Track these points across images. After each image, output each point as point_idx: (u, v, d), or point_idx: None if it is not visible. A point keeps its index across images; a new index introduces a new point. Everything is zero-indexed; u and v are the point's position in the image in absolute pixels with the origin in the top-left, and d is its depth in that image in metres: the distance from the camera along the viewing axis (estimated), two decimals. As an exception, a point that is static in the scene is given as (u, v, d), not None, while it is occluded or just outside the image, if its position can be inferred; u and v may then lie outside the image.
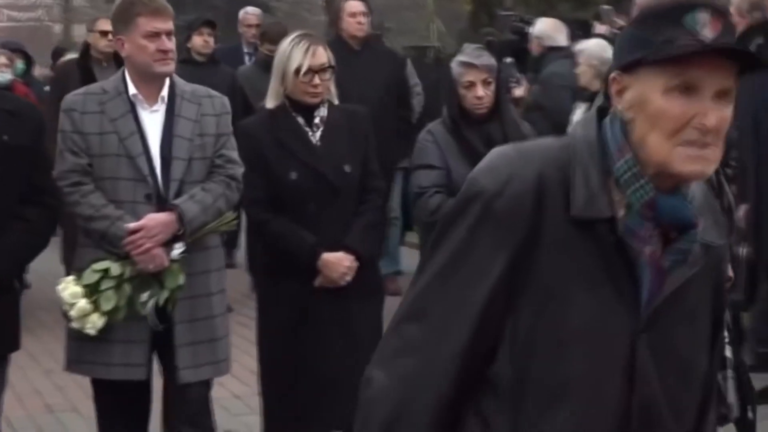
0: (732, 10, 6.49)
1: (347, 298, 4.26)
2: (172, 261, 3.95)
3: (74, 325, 3.90)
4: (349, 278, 4.24)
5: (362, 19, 7.75)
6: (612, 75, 1.80)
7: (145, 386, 4.10)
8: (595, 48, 6.44)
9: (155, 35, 3.95)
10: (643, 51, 1.74)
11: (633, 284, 1.78)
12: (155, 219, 3.93)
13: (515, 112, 4.67)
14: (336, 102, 4.41)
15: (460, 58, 4.59)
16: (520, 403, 1.78)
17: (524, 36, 8.39)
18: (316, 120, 4.30)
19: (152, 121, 4.04)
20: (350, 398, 4.16)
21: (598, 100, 6.01)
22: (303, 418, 4.24)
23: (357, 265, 4.25)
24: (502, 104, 4.59)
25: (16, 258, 3.99)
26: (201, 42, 8.22)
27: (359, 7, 7.74)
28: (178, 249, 3.96)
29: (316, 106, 4.28)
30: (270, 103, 4.30)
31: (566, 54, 7.23)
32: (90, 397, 5.06)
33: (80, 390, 6.23)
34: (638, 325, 1.78)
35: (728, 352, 4.69)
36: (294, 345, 4.23)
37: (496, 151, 1.85)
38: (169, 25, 4.01)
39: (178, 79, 4.14)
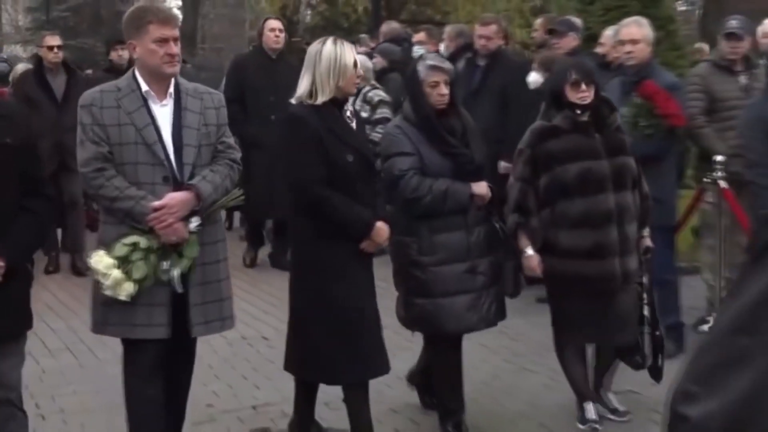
0: (444, 36, 9.52)
1: (369, 257, 5.05)
2: (191, 233, 4.48)
3: (107, 292, 4.35)
4: (387, 243, 5.07)
5: (279, 34, 9.53)
6: None
7: (166, 344, 4.54)
8: (362, 60, 8.65)
9: (164, 41, 4.45)
10: None
11: None
12: (175, 197, 4.42)
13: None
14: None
15: (429, 62, 5.29)
16: None
17: None
18: (347, 113, 5.00)
19: (163, 113, 4.54)
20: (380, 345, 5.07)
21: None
22: (361, 361, 4.96)
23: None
24: (456, 101, 5.32)
25: (28, 246, 4.23)
26: (116, 56, 10.24)
27: (277, 24, 9.72)
28: (195, 222, 4.48)
29: (347, 100, 4.99)
30: (321, 98, 4.87)
31: None
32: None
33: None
34: None
35: (646, 311, 5.51)
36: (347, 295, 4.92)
37: None
38: (176, 32, 4.54)
39: (181, 78, 4.66)
